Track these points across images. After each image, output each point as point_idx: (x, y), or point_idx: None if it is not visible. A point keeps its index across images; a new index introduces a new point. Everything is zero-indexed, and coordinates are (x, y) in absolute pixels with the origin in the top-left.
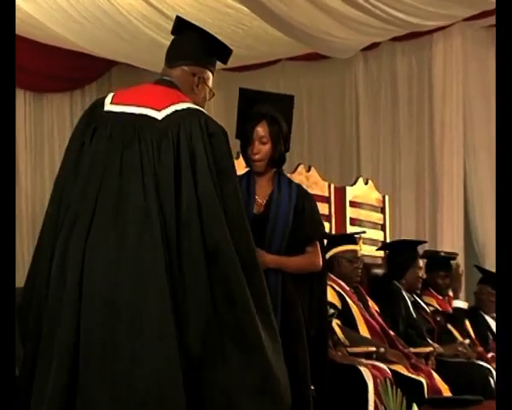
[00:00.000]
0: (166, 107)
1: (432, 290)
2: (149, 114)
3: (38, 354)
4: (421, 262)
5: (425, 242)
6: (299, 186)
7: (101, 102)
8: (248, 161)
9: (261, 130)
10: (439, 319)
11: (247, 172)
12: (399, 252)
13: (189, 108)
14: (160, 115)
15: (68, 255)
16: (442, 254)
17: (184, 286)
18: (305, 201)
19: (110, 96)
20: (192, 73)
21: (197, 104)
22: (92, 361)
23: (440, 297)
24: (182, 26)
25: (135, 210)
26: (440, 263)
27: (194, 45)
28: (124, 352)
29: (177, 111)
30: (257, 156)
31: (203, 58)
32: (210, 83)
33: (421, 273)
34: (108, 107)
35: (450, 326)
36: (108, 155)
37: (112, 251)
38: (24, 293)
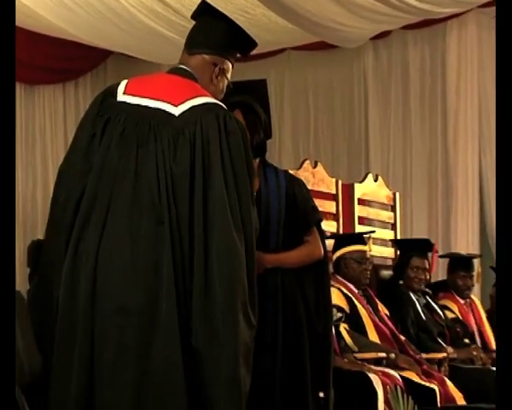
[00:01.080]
0: (183, 102)
1: (453, 293)
2: (166, 109)
3: (54, 355)
4: (425, 263)
5: (426, 240)
6: (286, 173)
7: (113, 91)
8: None
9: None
10: (458, 330)
11: None
12: (401, 252)
13: (206, 104)
14: (176, 111)
15: (79, 257)
16: (463, 253)
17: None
18: (296, 187)
19: (123, 84)
20: (213, 63)
21: (214, 96)
22: (102, 368)
23: (462, 301)
24: (205, 12)
25: (149, 212)
26: (460, 263)
27: (218, 34)
28: (132, 361)
29: (194, 107)
30: None
31: (226, 48)
32: (229, 75)
33: (421, 274)
34: (122, 97)
35: (467, 341)
36: (122, 152)
37: (126, 254)
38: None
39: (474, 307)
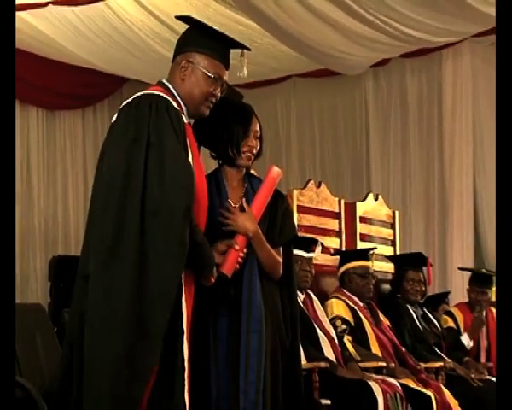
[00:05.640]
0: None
1: (468, 305)
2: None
3: None
4: (420, 275)
5: (419, 253)
6: None
7: None
8: (227, 157)
9: (256, 125)
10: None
11: (215, 171)
12: (397, 266)
13: (131, 100)
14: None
15: None
16: (483, 270)
17: None
18: (278, 200)
19: None
20: (179, 63)
21: (189, 92)
22: None
23: (476, 315)
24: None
25: None
26: (475, 278)
27: (182, 36)
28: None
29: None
30: (254, 151)
31: (186, 43)
32: (203, 65)
33: (417, 286)
34: None
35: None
36: None
37: None
38: None
39: (489, 322)
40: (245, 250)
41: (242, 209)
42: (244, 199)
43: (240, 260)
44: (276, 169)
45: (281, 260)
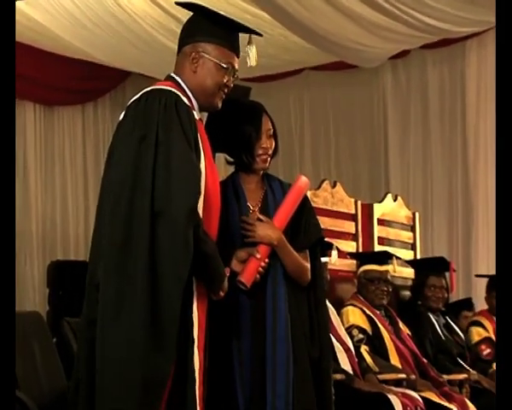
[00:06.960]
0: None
1: (490, 313)
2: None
3: None
4: (442, 281)
5: (441, 258)
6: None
7: None
8: (242, 163)
9: (268, 123)
10: (487, 351)
11: (231, 175)
12: (417, 272)
13: (139, 96)
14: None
15: None
16: None
17: None
18: (301, 204)
19: None
20: (189, 53)
21: (201, 84)
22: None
23: None
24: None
25: None
26: (494, 283)
27: (187, 24)
28: None
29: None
30: (269, 152)
31: (193, 32)
32: (214, 55)
33: (438, 292)
34: None
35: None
36: None
37: None
38: None
39: None
40: (267, 260)
41: (260, 220)
42: (258, 210)
43: (261, 269)
44: (303, 179)
45: (308, 265)
